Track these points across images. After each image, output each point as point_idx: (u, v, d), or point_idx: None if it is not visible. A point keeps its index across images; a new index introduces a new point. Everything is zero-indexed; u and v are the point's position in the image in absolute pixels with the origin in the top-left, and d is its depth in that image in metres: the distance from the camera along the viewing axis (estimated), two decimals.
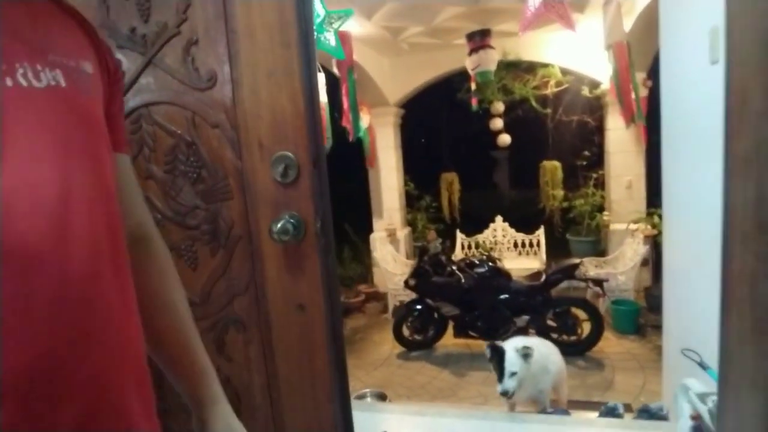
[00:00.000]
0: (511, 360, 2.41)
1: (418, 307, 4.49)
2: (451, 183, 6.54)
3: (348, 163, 6.10)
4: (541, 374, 2.55)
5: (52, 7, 0.56)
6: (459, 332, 4.39)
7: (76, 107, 0.52)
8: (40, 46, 0.51)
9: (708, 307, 1.55)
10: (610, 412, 2.49)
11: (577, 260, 4.44)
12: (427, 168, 6.55)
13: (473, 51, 4.23)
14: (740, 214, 0.69)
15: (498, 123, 6.03)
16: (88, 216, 0.51)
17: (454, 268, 4.40)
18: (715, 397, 1.34)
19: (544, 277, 4.35)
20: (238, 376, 1.29)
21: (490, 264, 4.45)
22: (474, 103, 4.99)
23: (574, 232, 5.92)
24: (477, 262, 4.48)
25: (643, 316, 4.90)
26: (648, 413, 2.33)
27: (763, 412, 0.61)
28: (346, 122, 3.93)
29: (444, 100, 6.54)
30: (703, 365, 1.54)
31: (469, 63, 4.39)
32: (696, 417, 1.45)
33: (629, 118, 3.51)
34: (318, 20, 2.46)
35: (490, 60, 4.13)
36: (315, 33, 2.53)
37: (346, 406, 1.23)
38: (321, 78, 4.58)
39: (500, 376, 2.40)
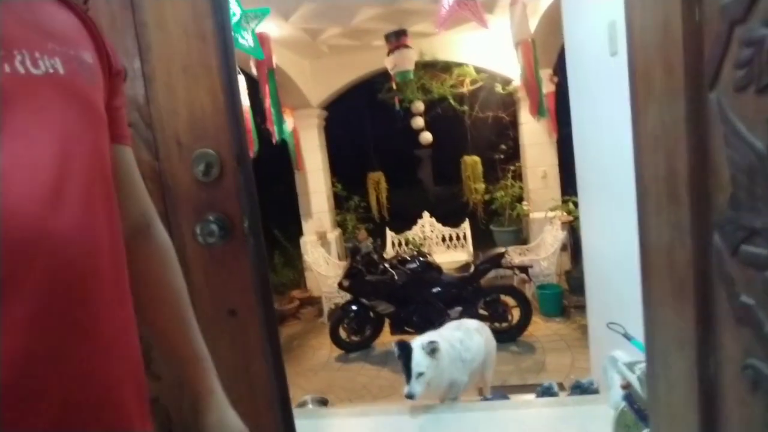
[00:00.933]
0: (418, 360, 2.22)
1: (354, 307, 4.48)
2: (378, 182, 6.58)
3: (274, 167, 5.97)
4: (453, 365, 2.39)
5: None
6: (396, 329, 4.43)
7: (74, 94, 0.52)
8: (39, 33, 0.50)
9: (627, 281, 1.67)
10: (546, 392, 2.61)
11: (502, 249, 4.63)
12: (353, 169, 6.55)
13: (391, 51, 4.28)
14: (653, 187, 0.74)
15: (419, 122, 6.16)
16: (86, 200, 0.50)
17: (387, 265, 4.43)
18: (642, 365, 1.43)
19: (473, 268, 4.50)
20: (168, 395, 1.20)
21: (422, 259, 4.53)
22: (396, 102, 5.06)
23: (497, 223, 6.17)
24: (408, 258, 4.54)
25: (566, 298, 5.20)
26: (580, 388, 2.47)
27: (689, 370, 0.65)
28: (270, 124, 3.83)
29: (366, 101, 6.58)
30: (627, 336, 1.65)
31: (388, 63, 4.44)
32: (626, 386, 1.55)
33: (536, 112, 3.73)
34: (234, 20, 2.37)
35: (407, 59, 4.20)
36: (232, 30, 2.44)
37: (288, 414, 1.19)
38: (241, 81, 4.45)
39: (407, 377, 2.22)
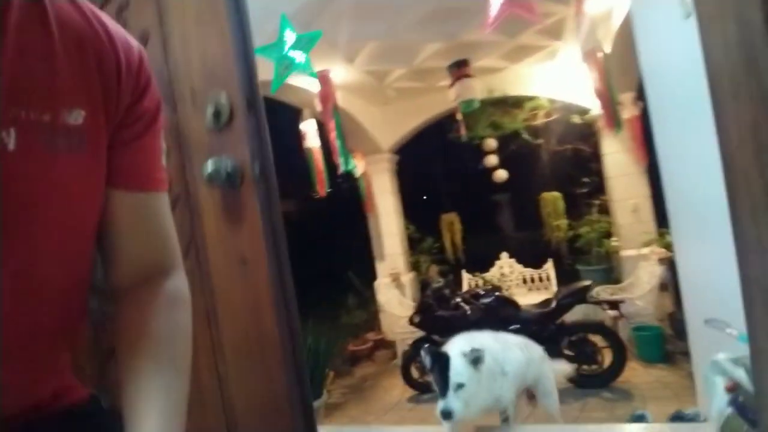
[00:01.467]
0: (457, 369, 1.78)
1: (426, 345, 4.26)
2: (451, 223, 6.46)
3: (348, 210, 6.10)
4: (495, 379, 1.96)
5: (53, 43, 0.51)
6: None
7: (18, 172, 0.48)
8: (15, 94, 0.47)
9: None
10: (639, 420, 2.25)
11: (587, 282, 4.24)
12: (426, 211, 6.51)
13: (454, 82, 4.31)
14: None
15: (492, 159, 6.04)
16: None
17: (459, 300, 4.22)
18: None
19: (554, 303, 4.14)
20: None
21: (497, 294, 4.27)
22: (461, 132, 5.00)
23: (583, 262, 5.72)
24: (482, 292, 4.30)
25: (670, 342, 4.60)
26: (682, 419, 2.09)
27: None
28: (335, 157, 3.94)
29: (437, 143, 6.63)
30: (731, 332, 1.37)
31: (451, 94, 4.46)
32: (732, 387, 1.27)
33: (612, 125, 3.49)
34: (288, 44, 2.53)
35: (470, 89, 4.19)
36: (287, 59, 2.60)
37: (301, 374, 1.09)
38: (312, 124, 4.69)
39: (442, 389, 1.77)
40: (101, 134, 0.55)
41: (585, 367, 4.00)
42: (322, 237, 7.07)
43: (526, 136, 5.87)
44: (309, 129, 4.65)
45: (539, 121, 5.77)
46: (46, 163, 0.50)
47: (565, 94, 5.47)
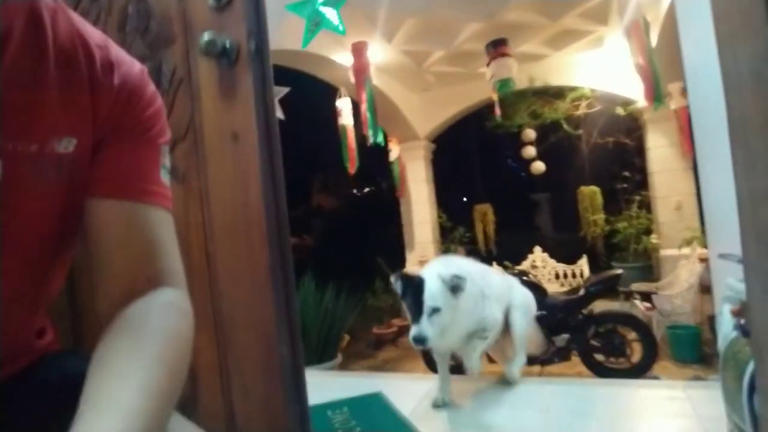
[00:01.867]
0: (432, 292, 1.61)
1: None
2: (485, 214, 6.36)
3: (380, 198, 6.12)
4: (474, 303, 1.78)
5: (48, 73, 0.52)
6: None
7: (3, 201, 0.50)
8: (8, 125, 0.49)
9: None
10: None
11: (618, 271, 4.07)
12: (459, 200, 6.45)
13: (490, 61, 4.26)
14: None
15: (530, 151, 5.92)
16: None
17: None
18: None
19: (582, 290, 4.00)
20: (180, 235, 1.20)
21: (523, 278, 4.16)
22: (497, 113, 4.92)
23: (620, 259, 5.51)
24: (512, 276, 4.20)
25: (708, 345, 4.35)
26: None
27: None
28: (365, 129, 3.97)
29: (474, 132, 6.57)
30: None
31: (487, 74, 4.41)
32: (737, 311, 1.19)
33: (651, 98, 3.35)
34: (319, 1, 2.58)
35: (506, 67, 4.13)
36: (317, 15, 2.65)
37: (284, 252, 1.11)
38: (346, 102, 4.75)
39: (415, 315, 1.60)
40: (89, 154, 0.56)
41: (612, 359, 3.84)
42: (355, 223, 7.11)
43: (566, 127, 5.72)
44: (344, 106, 4.71)
45: (581, 111, 5.61)
46: (33, 191, 0.51)
47: (609, 84, 5.31)
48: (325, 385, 2.19)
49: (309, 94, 5.10)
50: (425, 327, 1.57)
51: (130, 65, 0.60)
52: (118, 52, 0.60)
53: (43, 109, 0.52)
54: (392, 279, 1.69)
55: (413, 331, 1.59)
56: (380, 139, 3.97)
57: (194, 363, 1.20)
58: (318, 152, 5.68)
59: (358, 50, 3.90)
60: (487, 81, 4.51)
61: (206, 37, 1.05)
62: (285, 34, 3.31)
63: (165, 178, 0.62)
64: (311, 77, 4.81)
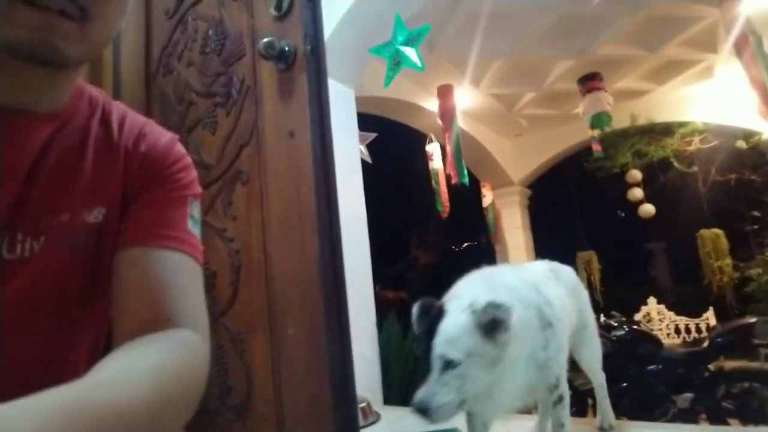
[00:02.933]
0: (450, 333, 0.94)
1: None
2: (588, 262, 5.89)
3: (476, 251, 5.96)
4: (533, 341, 1.04)
5: (86, 150, 0.58)
6: None
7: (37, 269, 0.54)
8: (40, 207, 0.54)
9: None
10: None
11: (752, 319, 3.49)
12: (560, 248, 6.06)
13: (583, 96, 4.08)
14: None
15: (637, 193, 5.46)
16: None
17: None
18: None
19: (707, 342, 3.47)
20: (241, 234, 1.24)
21: (633, 327, 3.72)
22: (597, 149, 4.60)
23: (756, 312, 4.73)
24: (614, 324, 3.78)
25: None
26: None
27: None
28: (450, 169, 3.95)
29: (573, 176, 6.24)
30: None
31: (581, 110, 4.22)
32: None
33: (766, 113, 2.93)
34: (399, 42, 2.68)
35: (600, 101, 3.91)
36: (397, 54, 2.75)
37: (334, 245, 1.09)
38: (435, 147, 4.81)
39: (425, 367, 0.95)
40: (116, 231, 0.60)
41: (751, 426, 3.22)
42: (451, 274, 6.95)
43: (678, 165, 5.23)
44: (434, 151, 4.76)
45: (693, 147, 5.12)
46: (60, 258, 0.55)
47: (725, 116, 4.81)
48: (403, 420, 2.07)
49: (402, 144, 5.26)
50: (433, 389, 0.90)
51: (159, 135, 0.66)
52: (151, 127, 0.66)
53: (78, 181, 0.57)
54: (414, 309, 1.05)
55: (417, 394, 0.91)
56: (465, 179, 3.91)
57: (249, 363, 1.19)
58: (413, 202, 5.74)
59: (444, 93, 3.97)
60: (582, 119, 4.32)
61: (265, 40, 1.11)
62: (372, 80, 3.47)
63: (193, 228, 0.62)
64: (402, 127, 4.95)
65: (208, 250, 1.29)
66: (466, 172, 3.93)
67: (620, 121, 5.10)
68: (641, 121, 5.23)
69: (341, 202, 1.12)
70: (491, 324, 0.92)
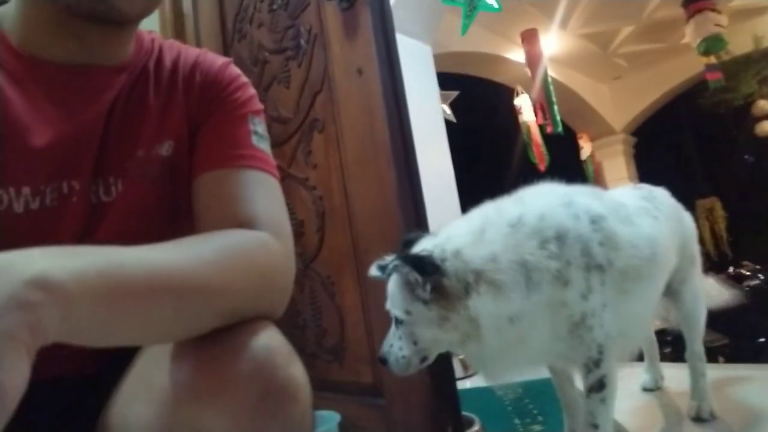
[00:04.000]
0: (390, 289, 0.81)
1: (669, 338, 3.53)
2: (711, 210, 5.27)
3: None
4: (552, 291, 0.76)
5: (149, 91, 0.62)
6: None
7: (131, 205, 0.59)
8: (117, 153, 0.58)
9: None
10: None
11: None
12: (676, 197, 5.50)
13: (689, 19, 3.58)
14: None
15: (766, 127, 4.77)
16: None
17: (712, 281, 3.39)
18: None
19: None
20: (322, 180, 1.26)
21: None
22: (713, 78, 3.98)
23: None
24: (747, 273, 3.37)
25: None
26: None
27: None
28: (541, 119, 3.72)
29: (686, 115, 5.58)
30: None
31: (687, 34, 3.72)
32: None
33: None
34: None
35: (710, 22, 3.41)
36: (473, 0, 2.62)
37: (413, 180, 1.06)
38: (526, 99, 4.57)
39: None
40: (187, 160, 0.62)
41: None
42: None
43: None
44: (523, 104, 4.52)
45: None
46: (143, 191, 0.58)
47: None
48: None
49: (488, 100, 5.04)
50: (390, 341, 0.82)
51: (212, 61, 0.66)
52: (204, 57, 0.67)
53: (146, 122, 0.60)
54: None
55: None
56: (560, 128, 3.67)
57: (341, 305, 1.22)
58: (505, 160, 5.53)
59: (529, 38, 3.73)
60: (691, 49, 3.82)
61: None
62: (449, 35, 3.35)
63: (259, 143, 0.61)
64: (488, 83, 4.75)
65: (294, 200, 1.34)
66: (559, 121, 3.68)
67: (741, 45, 4.46)
68: (767, 42, 4.54)
69: (427, 164, 1.10)
70: (410, 283, 0.74)
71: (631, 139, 5.71)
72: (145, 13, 0.58)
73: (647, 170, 5.68)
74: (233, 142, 0.61)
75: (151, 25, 1.81)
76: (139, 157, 0.59)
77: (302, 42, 1.30)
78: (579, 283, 0.75)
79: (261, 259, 0.49)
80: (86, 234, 0.57)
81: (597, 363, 0.76)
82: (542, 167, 4.45)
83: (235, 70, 0.68)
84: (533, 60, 3.68)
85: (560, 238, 0.75)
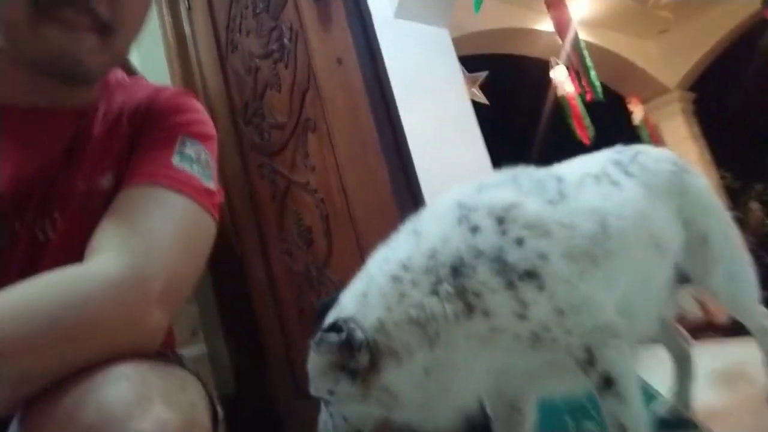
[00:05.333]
0: (308, 370, 0.67)
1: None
2: None
3: None
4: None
5: (93, 125, 0.60)
6: None
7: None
8: (64, 189, 0.57)
9: None
10: None
11: None
12: (749, 153, 5.03)
13: None
14: None
15: None
16: None
17: None
18: None
19: None
20: (322, 182, 1.20)
21: None
22: None
23: None
24: None
25: None
26: None
27: None
28: (579, 88, 3.49)
29: (748, 60, 5.07)
30: None
31: None
32: None
33: None
34: None
35: None
36: None
37: (406, 166, 0.98)
38: (562, 70, 4.33)
39: None
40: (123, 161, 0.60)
41: None
42: None
43: None
44: (559, 75, 4.26)
45: None
46: (82, 225, 0.54)
47: None
48: None
49: (523, 77, 4.82)
50: (323, 417, 0.71)
51: (167, 92, 0.64)
52: (159, 91, 0.64)
53: (89, 155, 0.59)
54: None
55: None
56: (600, 95, 3.42)
57: None
58: (547, 137, 5.27)
59: (554, 3, 3.51)
60: None
61: None
62: (469, 15, 3.21)
63: (181, 163, 0.56)
64: (516, 56, 4.53)
65: (300, 207, 1.29)
66: (599, 86, 3.43)
67: None
68: None
69: (459, 156, 1.03)
70: (339, 362, 0.62)
71: (689, 95, 5.27)
72: (110, 66, 0.59)
73: (712, 126, 5.22)
74: (149, 160, 0.56)
75: (155, 50, 1.84)
76: (81, 190, 0.57)
77: (286, 41, 1.25)
78: (503, 307, 0.60)
79: (68, 300, 0.42)
80: (30, 272, 0.55)
81: (590, 361, 0.61)
82: (586, 141, 4.17)
83: (186, 99, 0.64)
84: (562, 26, 3.46)
85: (457, 270, 0.60)
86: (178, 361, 0.49)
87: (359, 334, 0.59)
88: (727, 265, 0.86)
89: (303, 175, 1.26)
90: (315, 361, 0.64)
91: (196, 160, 0.58)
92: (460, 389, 0.63)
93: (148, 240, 0.48)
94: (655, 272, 0.77)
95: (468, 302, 0.59)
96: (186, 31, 1.75)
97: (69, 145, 0.58)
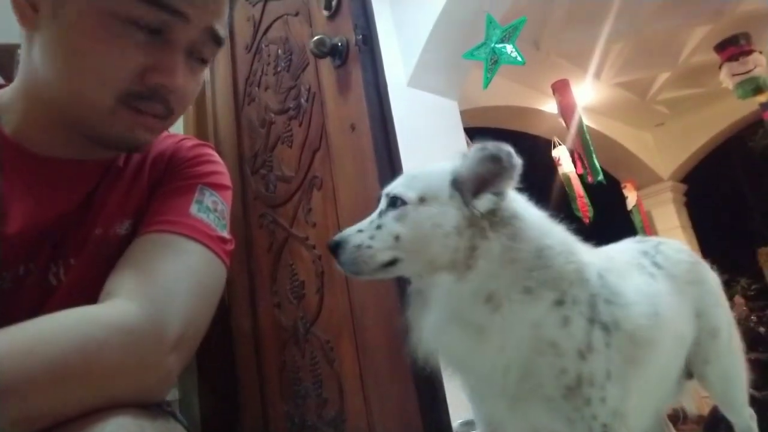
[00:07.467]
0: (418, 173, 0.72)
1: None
2: None
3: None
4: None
5: (116, 176, 0.61)
6: None
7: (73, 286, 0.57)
8: (81, 234, 0.58)
9: None
10: None
11: None
12: (735, 246, 5.11)
13: (725, 62, 3.42)
14: None
15: None
16: None
17: None
18: None
19: None
20: (322, 239, 1.21)
21: None
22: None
23: None
24: None
25: None
26: None
27: None
28: (581, 169, 3.59)
29: (738, 159, 5.27)
30: None
31: (723, 77, 3.55)
32: None
33: None
34: (495, 37, 2.54)
35: (744, 64, 3.24)
36: (494, 53, 2.61)
37: None
38: (565, 150, 4.47)
39: None
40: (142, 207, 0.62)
41: None
42: None
43: None
44: (561, 154, 4.40)
45: None
46: (95, 270, 0.55)
47: None
48: None
49: (525, 153, 4.96)
50: (359, 226, 0.69)
51: (187, 143, 0.67)
52: (182, 141, 0.68)
53: (110, 203, 0.60)
54: None
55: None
56: (600, 176, 3.52)
57: (340, 373, 1.13)
58: (547, 212, 5.33)
59: (560, 89, 3.68)
60: (729, 88, 3.65)
61: (315, 38, 1.11)
62: (478, 91, 3.35)
63: (199, 213, 0.58)
64: (523, 136, 4.69)
65: (296, 260, 1.29)
66: (600, 169, 3.54)
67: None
68: None
69: None
70: (484, 177, 0.66)
71: (680, 186, 5.42)
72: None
73: (701, 218, 5.34)
74: (168, 209, 0.58)
75: None
76: (97, 235, 0.58)
77: (303, 101, 1.30)
78: (578, 329, 0.60)
79: (80, 343, 0.41)
80: (39, 314, 0.55)
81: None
82: (586, 220, 4.25)
83: (205, 150, 0.67)
84: (567, 111, 3.61)
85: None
86: (172, 413, 0.48)
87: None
88: (726, 359, 0.87)
89: (303, 229, 1.27)
90: (474, 161, 0.67)
91: (213, 210, 0.60)
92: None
93: (164, 287, 0.48)
94: (674, 365, 0.79)
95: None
96: (206, 77, 1.82)
97: (91, 193, 0.59)
